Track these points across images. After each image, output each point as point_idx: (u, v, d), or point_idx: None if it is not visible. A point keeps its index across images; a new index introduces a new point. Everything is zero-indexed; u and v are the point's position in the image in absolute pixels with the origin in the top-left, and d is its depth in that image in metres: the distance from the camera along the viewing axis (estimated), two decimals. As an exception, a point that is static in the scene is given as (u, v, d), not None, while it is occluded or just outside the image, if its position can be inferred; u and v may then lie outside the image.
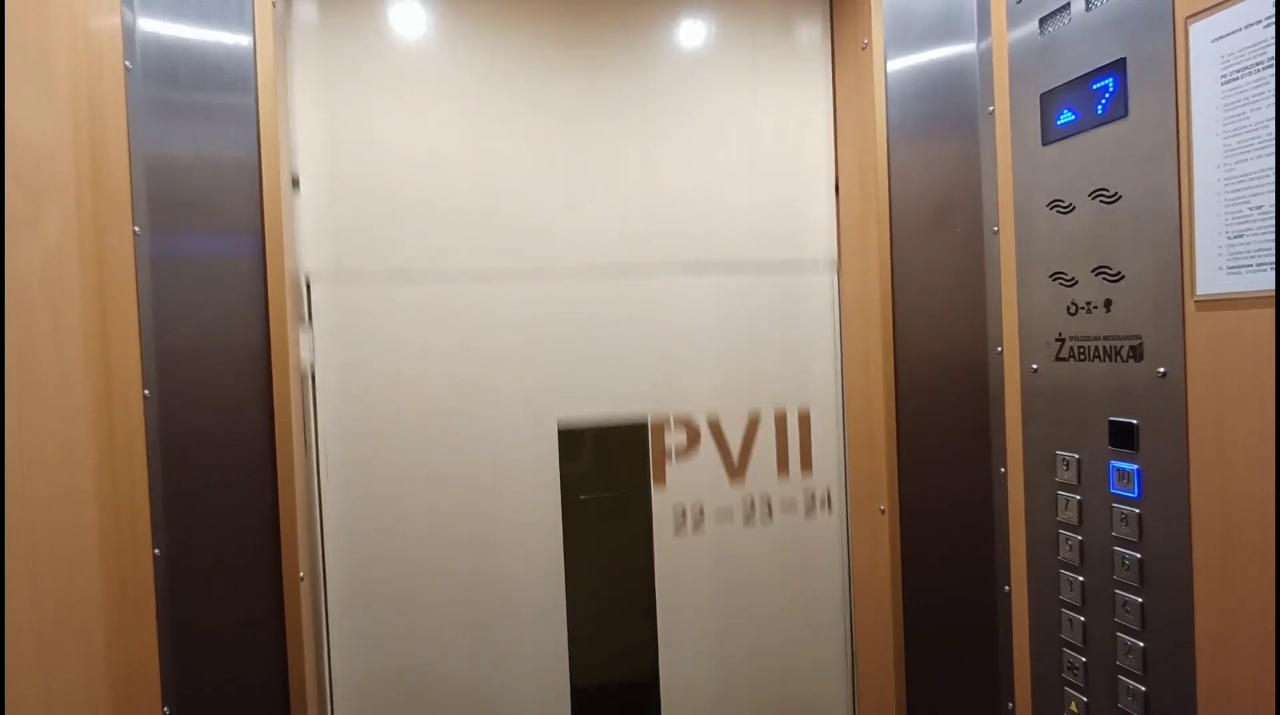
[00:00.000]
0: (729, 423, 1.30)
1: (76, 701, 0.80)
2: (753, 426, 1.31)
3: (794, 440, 1.32)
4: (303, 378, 1.09)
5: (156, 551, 0.93)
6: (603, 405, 1.24)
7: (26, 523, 0.71)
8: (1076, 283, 0.88)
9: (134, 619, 0.92)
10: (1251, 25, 0.68)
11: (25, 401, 0.72)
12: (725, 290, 1.28)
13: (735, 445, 1.30)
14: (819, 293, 1.32)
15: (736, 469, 1.30)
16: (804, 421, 1.33)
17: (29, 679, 0.71)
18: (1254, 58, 0.68)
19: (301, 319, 1.10)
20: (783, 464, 1.32)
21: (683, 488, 1.28)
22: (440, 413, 1.17)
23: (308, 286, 1.12)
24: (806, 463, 1.33)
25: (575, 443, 1.23)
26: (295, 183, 1.11)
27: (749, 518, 1.30)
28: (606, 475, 1.26)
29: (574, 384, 1.23)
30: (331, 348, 1.13)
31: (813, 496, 1.33)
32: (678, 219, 1.26)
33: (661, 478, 1.27)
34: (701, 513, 1.28)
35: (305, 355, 1.10)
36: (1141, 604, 0.81)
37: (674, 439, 1.27)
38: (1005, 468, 1.00)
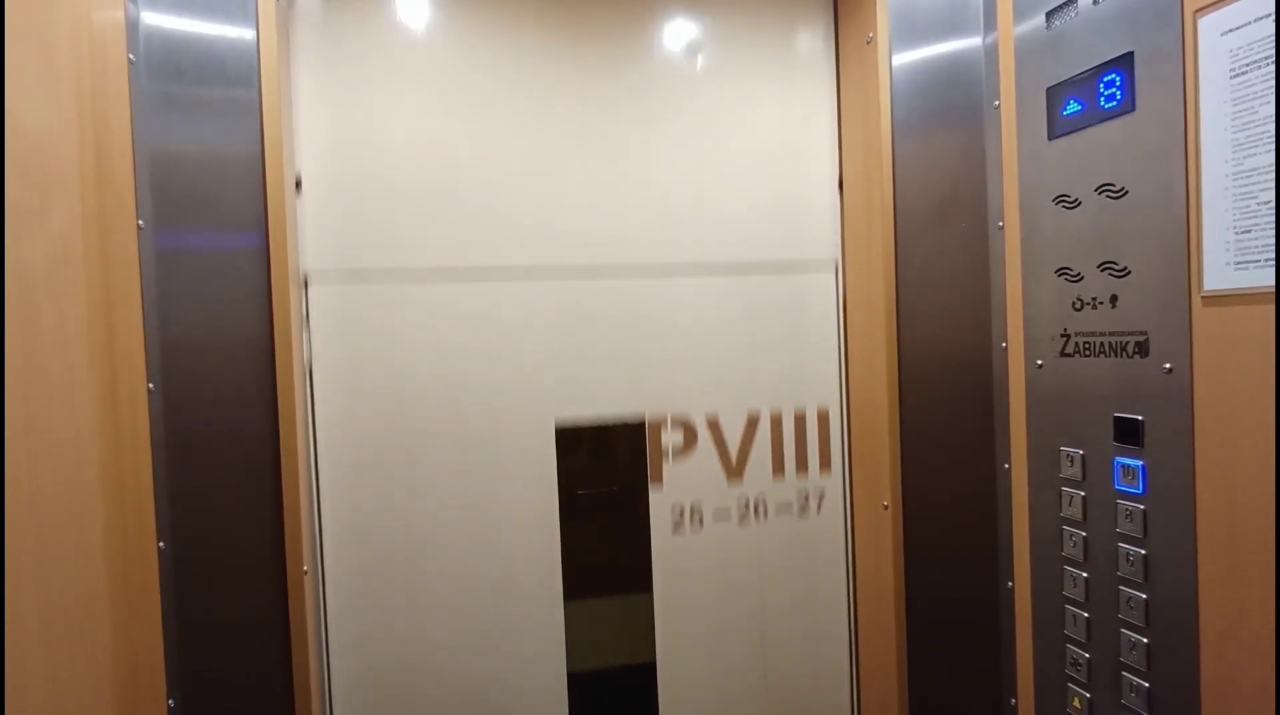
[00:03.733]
0: (727, 422, 1.29)
1: (82, 694, 0.80)
2: (751, 426, 1.30)
3: (794, 440, 1.32)
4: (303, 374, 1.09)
5: (161, 545, 0.93)
6: (600, 404, 1.24)
7: (32, 516, 0.71)
8: (1082, 278, 0.87)
9: (139, 612, 0.92)
10: (1261, 19, 0.68)
11: (30, 395, 0.72)
12: (726, 289, 1.28)
13: (734, 445, 1.30)
14: (822, 292, 1.32)
15: (735, 469, 1.30)
16: (805, 421, 1.32)
17: (34, 671, 0.71)
18: (1263, 51, 0.68)
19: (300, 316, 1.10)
20: (778, 465, 1.31)
21: (680, 487, 1.28)
22: (438, 409, 1.17)
23: (306, 283, 1.12)
24: (806, 463, 1.32)
25: (573, 441, 1.23)
26: (298, 184, 1.10)
27: (744, 517, 1.30)
28: (604, 473, 1.25)
29: (572, 383, 1.22)
30: (330, 346, 1.13)
31: (806, 497, 1.32)
32: (680, 213, 1.26)
33: (659, 477, 1.27)
34: (699, 513, 1.28)
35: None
36: (1145, 600, 0.81)
37: (671, 438, 1.27)
38: (1009, 463, 1.00)
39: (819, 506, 1.33)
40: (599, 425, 1.24)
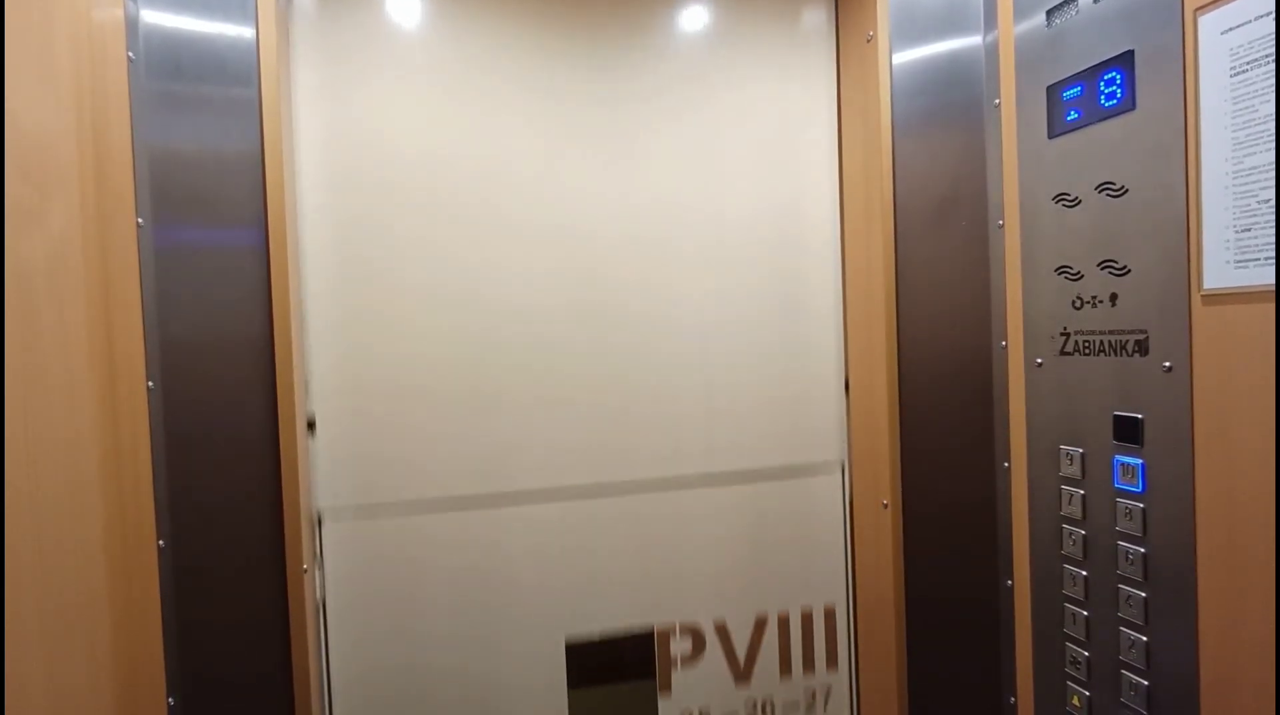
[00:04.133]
0: (735, 627, 1.29)
1: (81, 694, 0.80)
2: (759, 629, 1.30)
3: (801, 640, 1.32)
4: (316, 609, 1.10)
5: (161, 543, 0.93)
6: (610, 617, 1.23)
7: (31, 515, 0.71)
8: (1082, 277, 0.87)
9: (139, 611, 0.92)
10: (1261, 18, 0.68)
11: (29, 394, 0.72)
12: (732, 498, 1.27)
13: (742, 649, 1.29)
14: (828, 492, 1.31)
15: (743, 672, 1.29)
16: (812, 620, 1.32)
17: (34, 670, 0.71)
18: (1263, 50, 0.68)
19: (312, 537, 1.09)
20: (785, 666, 1.31)
21: (689, 694, 1.27)
22: (447, 629, 1.17)
23: (320, 522, 1.11)
24: (813, 662, 1.32)
25: (583, 655, 1.22)
26: (311, 426, 1.10)
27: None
28: (614, 685, 1.25)
29: (581, 599, 1.22)
30: (343, 581, 1.13)
31: (813, 694, 1.32)
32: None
33: (668, 686, 1.26)
34: None
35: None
36: (1145, 598, 0.81)
37: (679, 647, 1.26)
38: (1009, 462, 1.00)
39: (825, 704, 1.33)
40: (608, 639, 1.23)
